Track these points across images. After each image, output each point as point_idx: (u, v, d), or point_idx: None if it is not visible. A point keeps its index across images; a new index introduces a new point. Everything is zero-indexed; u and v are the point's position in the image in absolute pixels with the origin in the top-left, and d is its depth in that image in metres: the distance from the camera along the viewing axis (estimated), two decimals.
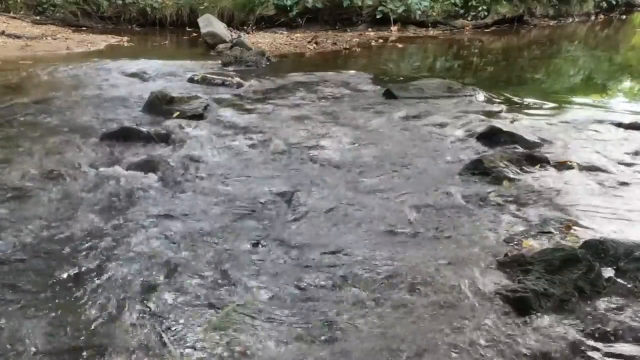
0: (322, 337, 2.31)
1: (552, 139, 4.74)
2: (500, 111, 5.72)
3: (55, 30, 9.84)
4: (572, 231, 3.12)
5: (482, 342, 2.28)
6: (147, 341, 2.26)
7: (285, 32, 10.68)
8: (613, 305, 2.50)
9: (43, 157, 4.12)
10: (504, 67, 9.02)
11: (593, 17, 13.50)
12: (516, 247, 2.99)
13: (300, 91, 6.41)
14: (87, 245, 2.95)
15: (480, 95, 6.27)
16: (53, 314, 2.40)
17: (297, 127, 4.99)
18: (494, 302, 2.52)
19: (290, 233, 3.15)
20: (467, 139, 4.75)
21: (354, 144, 4.62)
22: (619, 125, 5.19)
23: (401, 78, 7.40)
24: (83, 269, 2.73)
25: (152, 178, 3.82)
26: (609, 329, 2.35)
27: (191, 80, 6.63)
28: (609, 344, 2.28)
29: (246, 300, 2.52)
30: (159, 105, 5.31)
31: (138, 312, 2.43)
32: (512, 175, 3.89)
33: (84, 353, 2.20)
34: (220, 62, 7.85)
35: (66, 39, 9.33)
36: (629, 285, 2.62)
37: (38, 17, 10.50)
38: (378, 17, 11.15)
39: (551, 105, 6.15)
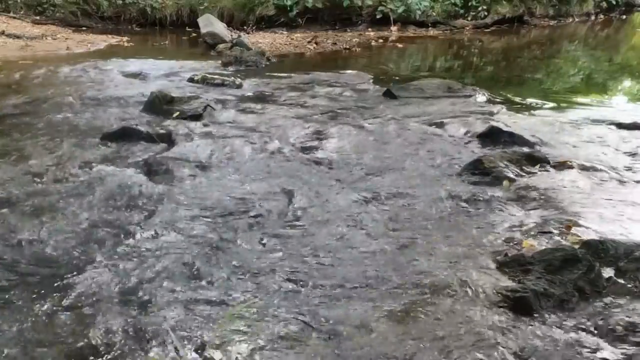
0: (319, 337, 2.31)
1: (552, 139, 4.74)
2: (500, 111, 5.72)
3: (55, 30, 9.84)
4: (572, 231, 3.12)
5: (482, 342, 2.28)
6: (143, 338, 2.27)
7: (285, 32, 10.68)
8: (613, 305, 2.50)
9: (43, 157, 4.13)
10: (504, 67, 9.02)
11: (593, 17, 13.50)
12: (516, 247, 2.99)
13: (300, 91, 6.41)
14: (86, 244, 2.96)
15: (480, 95, 6.27)
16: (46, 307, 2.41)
17: (297, 127, 4.98)
18: (494, 302, 2.52)
19: (289, 232, 3.15)
20: (467, 139, 4.75)
21: (353, 144, 4.62)
22: (619, 125, 5.19)
23: (401, 78, 7.39)
24: (82, 268, 2.74)
25: (152, 178, 3.82)
26: (609, 329, 2.35)
27: (191, 80, 6.64)
28: (609, 344, 2.28)
29: (246, 302, 2.52)
30: (159, 105, 5.31)
31: (131, 311, 2.44)
32: (512, 175, 3.89)
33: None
34: (220, 62, 7.85)
35: (66, 39, 9.33)
36: (629, 285, 2.62)
37: (38, 17, 10.49)
38: (378, 17, 11.15)
39: (551, 105, 6.15)
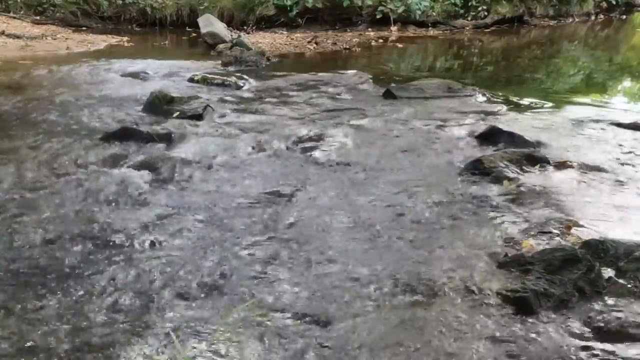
0: (317, 339, 2.31)
1: (552, 139, 4.74)
2: (500, 111, 5.72)
3: (55, 30, 9.84)
4: (572, 231, 3.12)
5: (482, 342, 2.28)
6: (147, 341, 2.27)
7: (285, 32, 10.68)
8: (613, 306, 2.50)
9: (43, 157, 4.12)
10: (504, 67, 9.02)
11: (593, 17, 13.50)
12: (516, 247, 2.99)
13: (300, 91, 6.41)
14: (87, 244, 2.96)
15: (480, 95, 6.27)
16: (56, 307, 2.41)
17: (297, 127, 4.98)
18: (494, 302, 2.52)
19: (289, 232, 3.15)
20: (467, 139, 4.75)
21: (353, 144, 4.62)
22: (619, 125, 5.19)
23: (401, 78, 7.40)
24: (82, 267, 2.74)
25: (152, 178, 3.82)
26: (609, 329, 2.35)
27: (191, 80, 6.64)
28: (609, 344, 2.27)
29: (243, 304, 2.52)
30: (159, 105, 5.31)
31: (135, 311, 2.44)
32: (512, 175, 3.89)
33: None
34: (220, 62, 7.85)
35: (66, 39, 9.33)
36: (629, 285, 2.62)
37: (38, 17, 10.49)
38: (378, 17, 11.15)
39: (551, 105, 6.15)
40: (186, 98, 5.48)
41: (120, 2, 10.61)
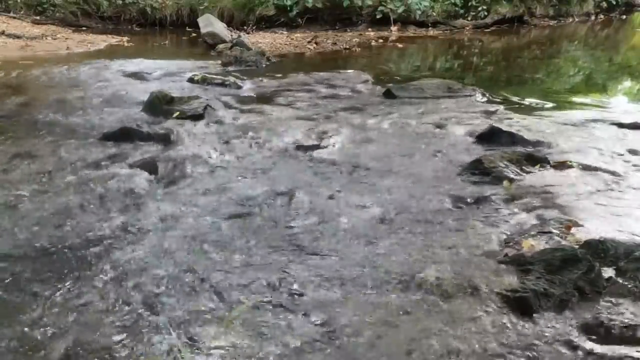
0: (320, 339, 2.31)
1: (552, 139, 4.74)
2: (500, 111, 5.72)
3: (55, 30, 9.84)
4: (572, 231, 3.12)
5: (482, 342, 2.28)
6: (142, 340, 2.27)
7: (285, 32, 10.68)
8: (613, 305, 2.50)
9: (43, 157, 4.13)
10: (504, 67, 9.02)
11: (593, 17, 13.51)
12: (516, 247, 2.99)
13: (300, 91, 6.41)
14: (87, 245, 2.95)
15: (480, 95, 6.27)
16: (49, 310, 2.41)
17: (297, 127, 4.99)
18: (493, 302, 2.52)
19: (289, 233, 3.15)
20: (467, 139, 4.75)
21: (353, 144, 4.62)
22: (619, 125, 5.19)
23: (401, 78, 7.40)
24: (83, 267, 2.74)
25: (152, 178, 3.82)
26: (609, 329, 2.35)
27: (191, 80, 6.64)
28: (609, 344, 2.28)
29: (245, 305, 2.53)
30: (159, 105, 5.31)
31: (131, 311, 2.44)
32: (512, 175, 3.89)
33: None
34: (220, 62, 7.85)
35: (66, 39, 9.33)
36: (629, 285, 2.62)
37: (38, 17, 10.50)
38: (378, 17, 11.16)
39: (551, 105, 6.15)
40: (186, 98, 5.48)
41: (120, 2, 10.61)
